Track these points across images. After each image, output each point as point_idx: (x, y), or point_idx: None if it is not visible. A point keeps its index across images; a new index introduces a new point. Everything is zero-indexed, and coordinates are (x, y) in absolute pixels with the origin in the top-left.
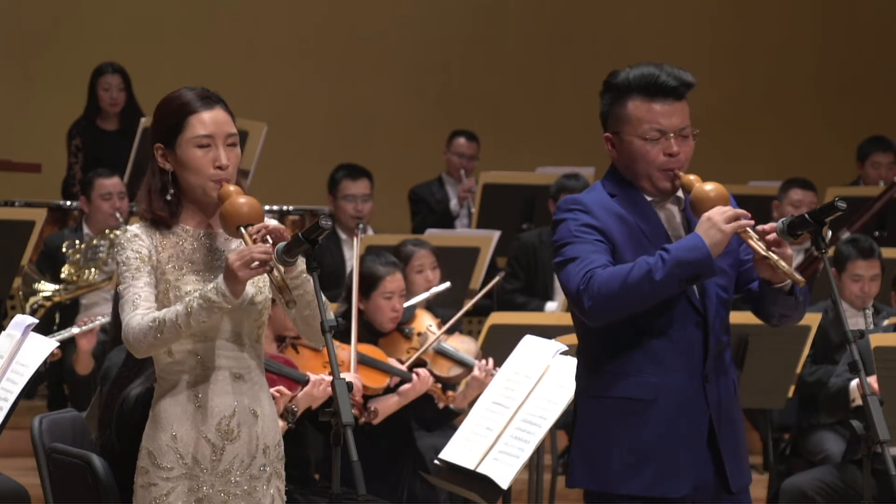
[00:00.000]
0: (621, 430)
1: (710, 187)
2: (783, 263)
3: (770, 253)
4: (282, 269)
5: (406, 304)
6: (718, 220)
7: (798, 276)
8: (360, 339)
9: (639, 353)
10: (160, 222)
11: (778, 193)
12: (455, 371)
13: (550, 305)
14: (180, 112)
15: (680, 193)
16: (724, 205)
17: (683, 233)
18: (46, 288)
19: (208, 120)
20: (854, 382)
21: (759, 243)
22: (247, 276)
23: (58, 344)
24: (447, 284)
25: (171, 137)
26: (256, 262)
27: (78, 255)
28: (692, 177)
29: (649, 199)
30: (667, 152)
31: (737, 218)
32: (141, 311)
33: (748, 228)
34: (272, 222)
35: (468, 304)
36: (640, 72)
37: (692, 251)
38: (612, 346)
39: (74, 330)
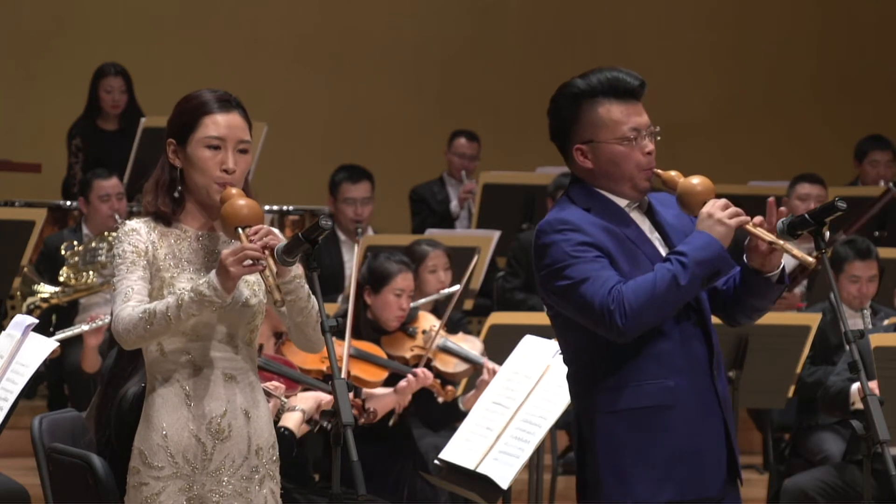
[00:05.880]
0: (646, 441)
1: (696, 181)
2: (790, 247)
3: (777, 239)
4: (274, 268)
5: (414, 304)
6: (721, 215)
7: (809, 258)
8: (363, 337)
9: (646, 360)
10: (161, 217)
11: (787, 191)
12: (460, 367)
13: None
14: (196, 111)
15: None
16: (712, 197)
17: (659, 235)
18: (45, 290)
19: (222, 122)
20: (855, 386)
21: (765, 232)
22: (238, 273)
23: (58, 343)
24: (458, 287)
25: (183, 135)
26: (249, 260)
27: (76, 258)
28: (673, 173)
29: (622, 205)
30: (644, 151)
31: (738, 213)
32: (132, 302)
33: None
34: (270, 228)
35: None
36: (605, 76)
37: (706, 249)
38: (613, 357)
39: (84, 327)
